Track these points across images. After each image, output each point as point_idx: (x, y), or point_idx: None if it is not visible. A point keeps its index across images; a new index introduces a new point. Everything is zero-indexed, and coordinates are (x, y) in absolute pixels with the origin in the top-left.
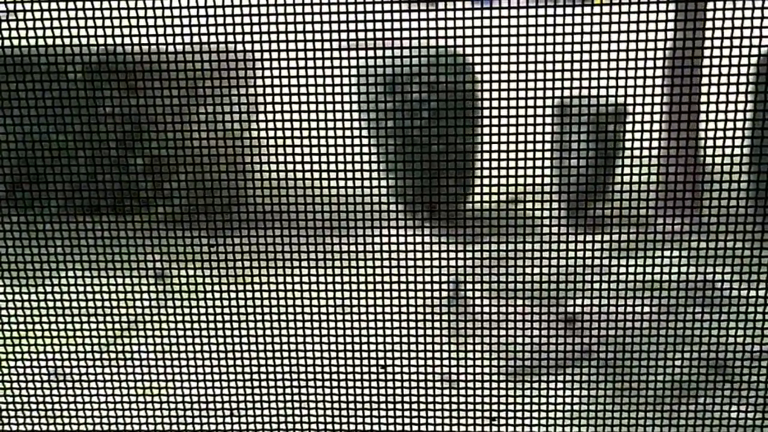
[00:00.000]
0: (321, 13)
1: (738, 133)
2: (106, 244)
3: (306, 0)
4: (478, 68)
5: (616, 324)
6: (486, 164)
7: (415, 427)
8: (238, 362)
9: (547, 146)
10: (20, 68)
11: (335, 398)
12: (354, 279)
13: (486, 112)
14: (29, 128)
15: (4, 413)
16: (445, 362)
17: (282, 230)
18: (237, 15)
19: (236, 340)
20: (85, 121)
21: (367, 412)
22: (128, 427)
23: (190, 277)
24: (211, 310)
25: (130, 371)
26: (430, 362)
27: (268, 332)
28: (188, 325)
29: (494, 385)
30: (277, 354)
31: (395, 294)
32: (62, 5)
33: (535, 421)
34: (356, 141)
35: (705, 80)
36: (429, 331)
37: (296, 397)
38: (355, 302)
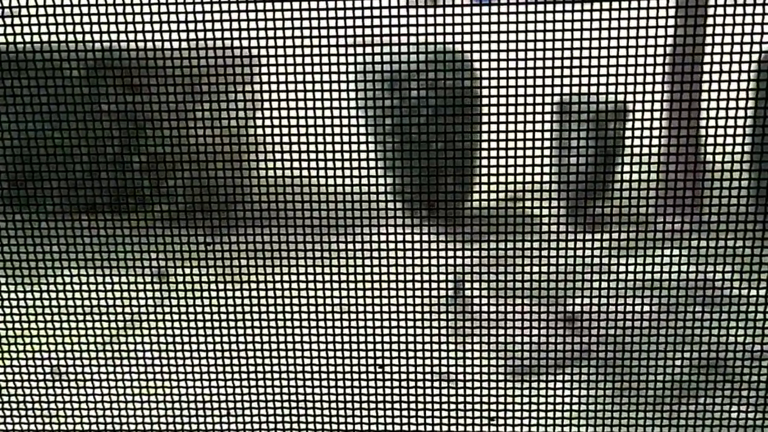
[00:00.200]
0: (320, 9)
1: (739, 131)
2: (105, 243)
3: None
4: (478, 66)
5: (616, 323)
6: (486, 162)
7: (414, 427)
8: (236, 360)
9: (547, 144)
10: (18, 65)
11: (333, 397)
12: (353, 277)
13: (486, 110)
14: (27, 125)
15: (1, 412)
16: (445, 361)
17: (280, 228)
18: (234, 11)
19: (234, 339)
20: (82, 118)
21: (366, 412)
22: (126, 426)
23: (188, 276)
24: (209, 309)
25: (128, 369)
26: (429, 361)
27: (266, 330)
28: (186, 324)
29: (493, 384)
30: (275, 353)
31: (394, 293)
32: (59, 1)
33: (534, 421)
34: (355, 139)
35: (706, 78)
36: (428, 330)
37: (294, 396)
38: (353, 300)
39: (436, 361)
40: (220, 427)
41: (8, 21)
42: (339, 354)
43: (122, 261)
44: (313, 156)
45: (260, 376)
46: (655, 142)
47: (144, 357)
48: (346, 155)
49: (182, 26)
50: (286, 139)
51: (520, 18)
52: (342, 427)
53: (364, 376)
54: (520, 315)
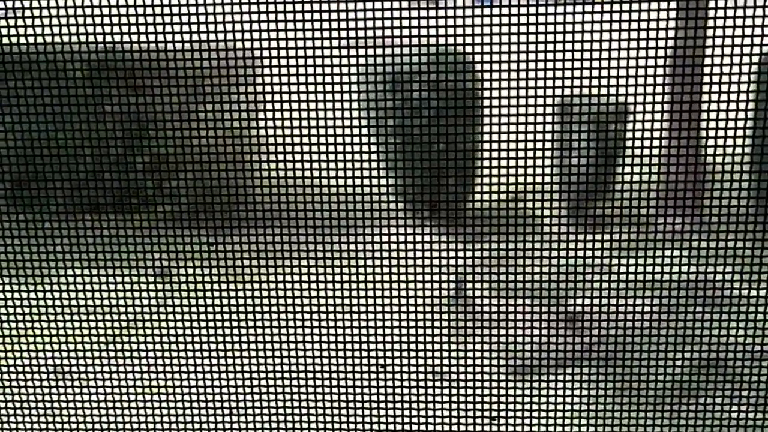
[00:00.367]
0: (322, 11)
1: (739, 132)
2: (108, 242)
3: None
4: (479, 66)
5: (617, 323)
6: (487, 163)
7: (414, 426)
8: (238, 360)
9: (548, 145)
10: (22, 66)
11: (336, 397)
12: (354, 278)
13: (487, 111)
14: (31, 126)
15: (3, 411)
16: (446, 361)
17: (282, 229)
18: (237, 13)
19: (236, 339)
20: (86, 119)
21: (368, 412)
22: (128, 426)
23: (191, 276)
24: (211, 309)
25: (131, 369)
26: (430, 361)
27: (268, 330)
28: (189, 324)
29: (495, 384)
30: (277, 353)
31: (395, 293)
32: (62, 2)
33: (535, 421)
34: (357, 139)
35: (706, 79)
36: (430, 330)
37: (296, 396)
38: (355, 301)
39: (437, 361)
40: (222, 427)
41: (12, 22)
42: (341, 354)
43: (125, 261)
44: (315, 157)
45: (262, 375)
46: (656, 143)
47: (147, 356)
48: (348, 156)
49: (186, 27)
50: (288, 140)
51: (522, 19)
52: (344, 427)
53: (366, 376)
54: (521, 315)
